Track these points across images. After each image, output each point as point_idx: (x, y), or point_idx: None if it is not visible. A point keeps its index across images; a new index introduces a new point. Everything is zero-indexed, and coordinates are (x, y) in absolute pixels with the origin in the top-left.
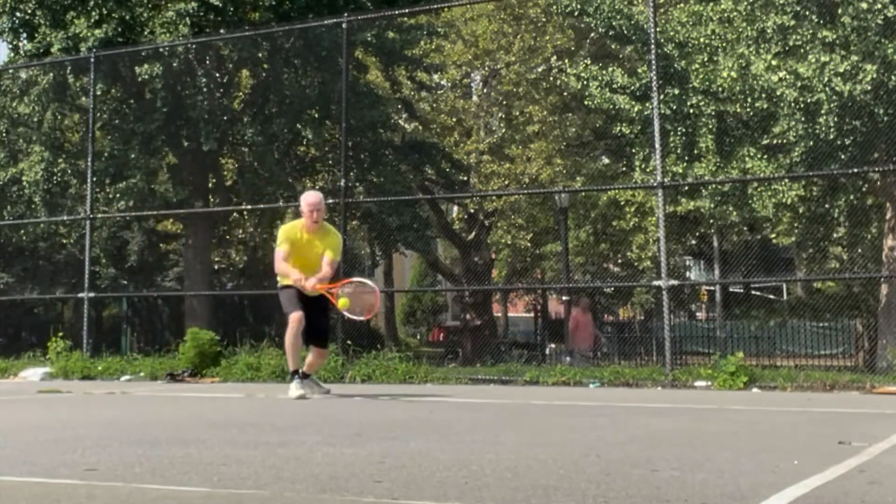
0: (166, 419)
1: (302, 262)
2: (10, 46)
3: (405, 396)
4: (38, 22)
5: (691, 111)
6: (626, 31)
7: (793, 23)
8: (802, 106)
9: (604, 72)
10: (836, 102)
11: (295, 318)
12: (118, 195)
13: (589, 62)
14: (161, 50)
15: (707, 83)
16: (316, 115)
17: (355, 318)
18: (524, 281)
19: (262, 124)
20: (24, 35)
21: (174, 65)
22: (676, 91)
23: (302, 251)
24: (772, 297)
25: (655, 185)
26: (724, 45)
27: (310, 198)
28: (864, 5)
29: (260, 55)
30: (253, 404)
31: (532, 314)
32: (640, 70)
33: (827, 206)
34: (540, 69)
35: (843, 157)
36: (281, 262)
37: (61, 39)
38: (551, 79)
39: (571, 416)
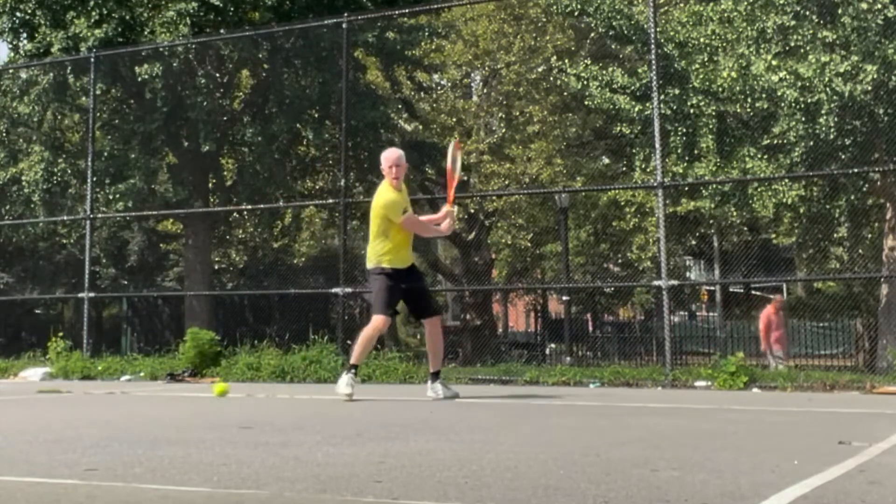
0: (166, 419)
1: (403, 232)
2: (10, 46)
3: (405, 396)
4: (38, 22)
5: (691, 111)
6: (626, 31)
7: (793, 23)
8: (803, 106)
9: (604, 72)
10: (836, 102)
11: (381, 322)
12: (118, 195)
13: (589, 62)
14: (161, 50)
15: (707, 83)
16: (316, 115)
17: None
18: (524, 281)
19: (261, 124)
20: (24, 35)
21: (174, 65)
22: (677, 91)
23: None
24: (772, 297)
25: (655, 185)
26: (724, 45)
27: (390, 154)
28: (864, 5)
29: (260, 55)
30: (253, 404)
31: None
32: (640, 70)
33: (827, 206)
34: (540, 69)
35: (843, 157)
36: (418, 221)
37: (61, 39)
38: (551, 79)
39: (572, 416)
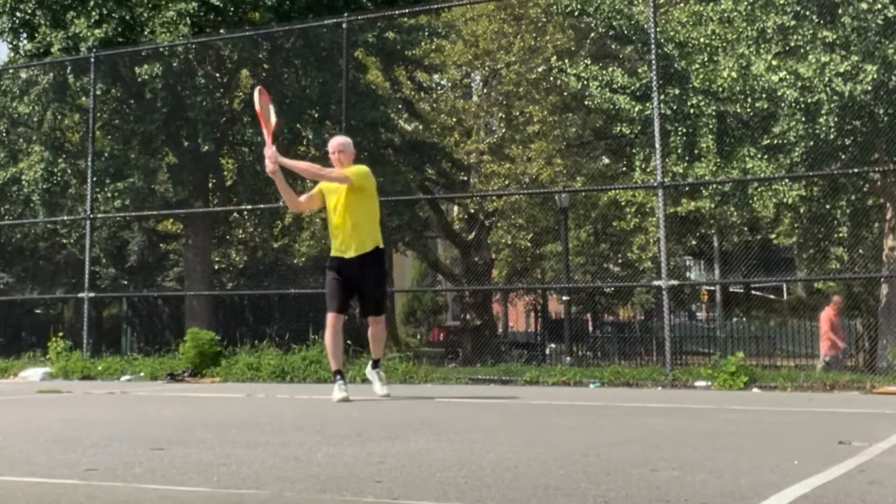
0: (166, 419)
1: (333, 215)
2: (10, 46)
3: (405, 396)
4: (38, 22)
5: (692, 111)
6: (626, 31)
7: (793, 23)
8: (803, 106)
9: (604, 72)
10: (836, 103)
11: (331, 319)
12: (117, 193)
13: (589, 62)
14: (161, 50)
15: (707, 83)
16: (316, 115)
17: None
18: (524, 281)
19: None
20: (24, 35)
21: (174, 65)
22: (677, 91)
23: (331, 195)
24: (772, 297)
25: (656, 185)
26: (724, 45)
27: (332, 141)
28: (864, 5)
29: (260, 55)
30: (253, 404)
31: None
32: (640, 70)
33: (828, 206)
34: (540, 69)
35: (843, 157)
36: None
37: (61, 39)
38: (551, 79)
39: (572, 416)
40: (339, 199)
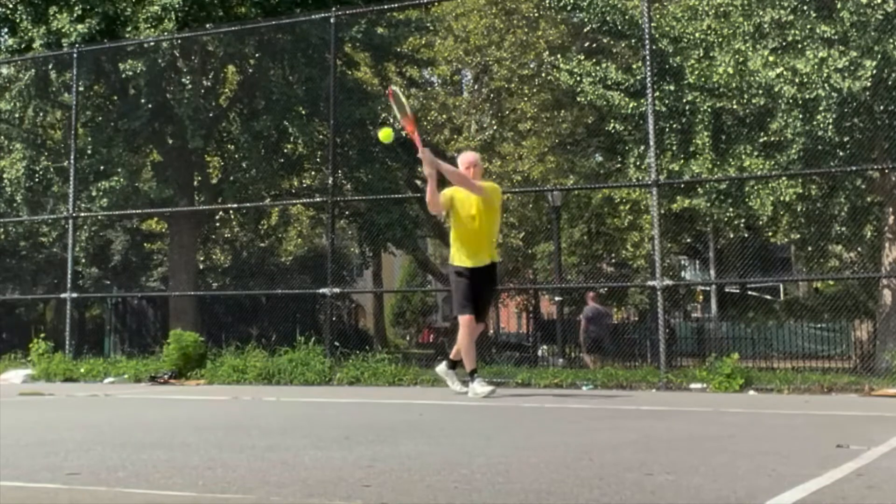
0: (151, 422)
1: (468, 225)
2: None
3: (394, 399)
4: (19, 17)
5: (687, 108)
6: (619, 27)
7: (790, 17)
8: (801, 102)
9: (597, 68)
10: (834, 99)
11: (463, 321)
12: (101, 192)
13: (582, 58)
14: (145, 45)
15: (703, 79)
16: (304, 112)
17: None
18: (516, 281)
19: (248, 121)
20: (6, 30)
21: (159, 61)
22: (672, 87)
23: (466, 205)
24: (768, 297)
25: (650, 183)
26: (720, 40)
27: (466, 155)
28: (864, 0)
29: (247, 51)
30: (239, 407)
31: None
32: (634, 66)
33: (826, 204)
34: (532, 65)
35: (841, 154)
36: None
37: (43, 35)
38: (544, 75)
39: (564, 419)
40: (477, 209)
